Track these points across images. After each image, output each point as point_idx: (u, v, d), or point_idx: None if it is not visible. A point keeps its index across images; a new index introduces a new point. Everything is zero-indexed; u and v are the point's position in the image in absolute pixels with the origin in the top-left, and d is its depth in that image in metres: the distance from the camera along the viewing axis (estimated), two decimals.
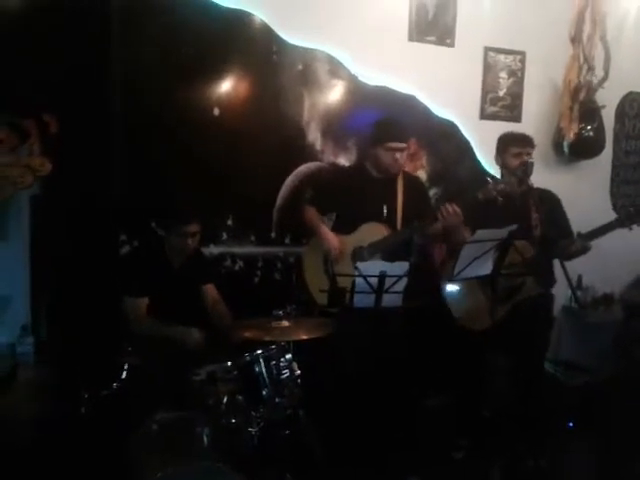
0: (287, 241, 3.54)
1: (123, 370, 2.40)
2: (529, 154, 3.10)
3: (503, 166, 3.17)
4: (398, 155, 3.05)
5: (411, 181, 3.23)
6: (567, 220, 3.20)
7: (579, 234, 2.94)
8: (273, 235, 3.52)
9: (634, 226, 2.91)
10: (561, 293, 3.89)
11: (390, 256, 2.92)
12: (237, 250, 3.44)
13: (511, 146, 3.13)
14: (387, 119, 3.23)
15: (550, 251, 2.96)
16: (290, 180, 3.52)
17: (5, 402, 2.51)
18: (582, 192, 4.07)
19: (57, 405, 2.45)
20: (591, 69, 3.93)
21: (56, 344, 2.95)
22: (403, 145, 3.06)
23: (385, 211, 3.08)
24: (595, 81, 3.94)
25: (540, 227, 2.97)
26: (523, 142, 3.13)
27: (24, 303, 2.97)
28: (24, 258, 2.96)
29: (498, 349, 3.15)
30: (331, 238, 3.02)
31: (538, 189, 3.09)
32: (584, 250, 2.94)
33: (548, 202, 3.11)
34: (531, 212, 3.00)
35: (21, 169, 2.34)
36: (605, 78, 3.94)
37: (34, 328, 2.90)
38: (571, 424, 3.41)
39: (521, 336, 3.01)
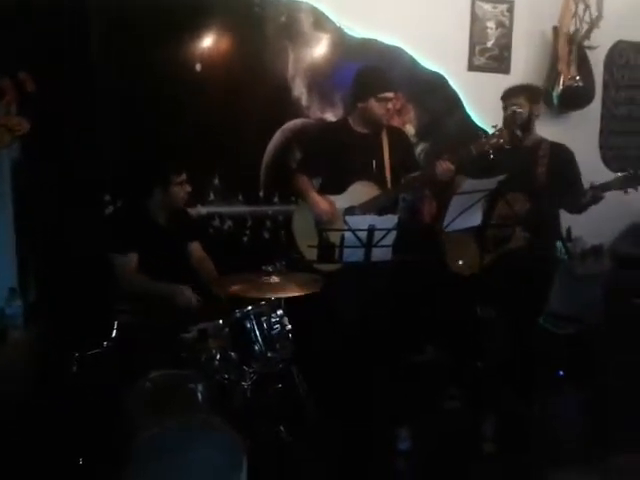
0: (275, 200, 3.51)
1: (114, 328, 2.39)
2: (515, 104, 3.05)
3: None
4: (390, 105, 3.03)
5: (395, 134, 3.19)
6: (578, 175, 3.13)
7: (592, 185, 2.89)
8: (261, 194, 3.49)
9: None
10: None
11: (379, 210, 2.91)
12: (225, 210, 3.42)
13: (503, 101, 3.14)
14: (374, 68, 3.18)
15: (554, 204, 2.96)
16: (276, 137, 3.47)
17: None
18: (571, 144, 3.91)
19: (48, 365, 2.45)
20: (587, 7, 3.88)
21: (45, 305, 2.95)
22: (393, 95, 3.03)
23: (374, 166, 3.05)
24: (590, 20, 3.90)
25: (545, 180, 2.98)
26: (507, 94, 3.12)
27: (10, 266, 2.94)
28: (8, 221, 2.92)
29: (485, 298, 3.18)
30: (322, 204, 2.99)
31: (551, 142, 3.10)
32: (595, 201, 2.89)
33: (560, 156, 3.08)
34: (537, 165, 2.99)
35: None
36: (600, 17, 3.89)
37: (22, 291, 2.88)
38: (561, 373, 3.47)
39: (507, 286, 3.03)
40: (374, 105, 2.99)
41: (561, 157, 3.10)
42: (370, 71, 3.12)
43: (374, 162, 3.05)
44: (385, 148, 3.08)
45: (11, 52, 2.76)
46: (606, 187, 2.87)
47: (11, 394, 2.42)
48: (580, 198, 2.90)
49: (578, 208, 2.96)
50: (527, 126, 3.08)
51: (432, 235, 3.19)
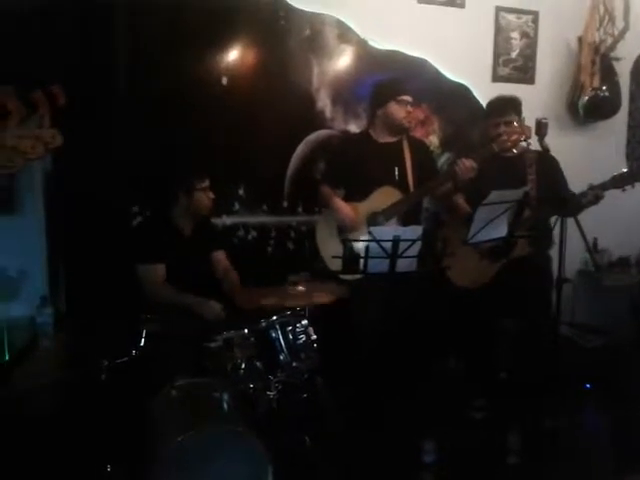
0: (299, 210, 3.54)
1: (141, 337, 2.43)
2: (510, 121, 3.04)
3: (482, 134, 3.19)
4: (410, 108, 3.07)
5: (416, 144, 3.22)
6: (565, 181, 3.17)
7: (591, 186, 2.92)
8: (285, 204, 3.51)
9: None
10: (576, 257, 3.89)
11: (404, 221, 2.92)
12: (250, 220, 3.44)
13: (493, 117, 3.14)
14: (392, 77, 3.25)
15: (548, 211, 2.96)
16: (301, 149, 3.50)
17: (26, 371, 2.55)
18: (597, 154, 4.01)
19: (77, 373, 2.49)
20: (612, 20, 3.87)
21: (75, 314, 3.00)
22: (411, 99, 3.08)
23: (396, 174, 3.06)
24: (616, 32, 3.88)
25: (536, 189, 3.01)
26: (498, 109, 3.12)
27: (41, 275, 3.00)
28: (40, 231, 2.99)
29: (495, 309, 3.16)
30: (345, 209, 3.01)
31: (535, 151, 3.13)
32: (596, 200, 2.92)
33: (546, 163, 3.10)
34: (527, 174, 3.02)
35: (32, 140, 2.33)
36: (626, 28, 3.87)
37: (52, 299, 2.93)
38: (588, 385, 3.41)
39: (514, 295, 3.03)
40: (394, 108, 3.03)
41: (547, 164, 3.10)
42: (387, 80, 3.19)
43: (396, 169, 3.07)
44: (407, 156, 3.11)
45: (44, 65, 2.84)
46: (605, 186, 2.90)
47: (42, 401, 2.46)
48: (569, 202, 2.89)
49: (573, 211, 2.88)
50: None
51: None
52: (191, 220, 2.94)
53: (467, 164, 2.92)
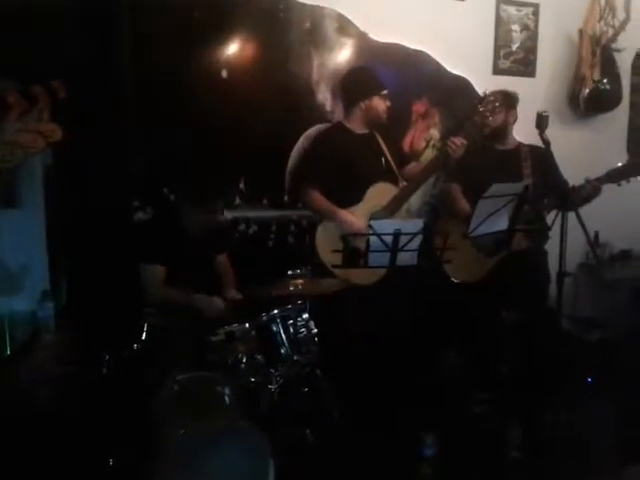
0: (300, 204, 3.50)
1: (143, 331, 2.43)
2: (497, 109, 3.08)
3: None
4: (388, 102, 3.08)
5: (384, 131, 3.19)
6: (560, 173, 3.08)
7: (587, 180, 2.94)
8: (286, 199, 3.51)
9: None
10: (577, 250, 3.89)
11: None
12: (250, 214, 3.44)
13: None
14: (368, 68, 3.24)
15: (545, 205, 3.01)
16: (300, 143, 3.48)
17: (28, 365, 2.56)
18: (598, 147, 4.02)
19: (79, 367, 2.49)
20: (612, 11, 3.86)
21: (76, 308, 3.00)
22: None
23: (384, 166, 3.07)
24: (617, 24, 3.88)
25: (533, 183, 3.01)
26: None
27: (43, 270, 2.99)
28: (40, 225, 2.98)
29: (493, 302, 3.19)
30: (351, 220, 2.92)
31: (528, 145, 3.19)
32: (595, 192, 2.94)
33: (541, 157, 3.08)
34: (523, 168, 3.06)
35: (32, 134, 2.32)
36: (627, 20, 3.87)
37: (54, 293, 2.93)
38: (590, 379, 3.41)
39: (512, 289, 3.08)
40: (378, 102, 3.04)
41: (542, 158, 3.07)
42: (367, 71, 3.19)
43: (381, 160, 3.08)
44: (383, 146, 3.12)
45: (43, 59, 2.82)
46: (600, 181, 2.93)
47: (44, 395, 2.47)
48: (569, 195, 2.88)
49: (574, 204, 2.83)
50: (504, 132, 3.22)
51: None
52: (203, 226, 2.91)
53: (457, 142, 2.97)
